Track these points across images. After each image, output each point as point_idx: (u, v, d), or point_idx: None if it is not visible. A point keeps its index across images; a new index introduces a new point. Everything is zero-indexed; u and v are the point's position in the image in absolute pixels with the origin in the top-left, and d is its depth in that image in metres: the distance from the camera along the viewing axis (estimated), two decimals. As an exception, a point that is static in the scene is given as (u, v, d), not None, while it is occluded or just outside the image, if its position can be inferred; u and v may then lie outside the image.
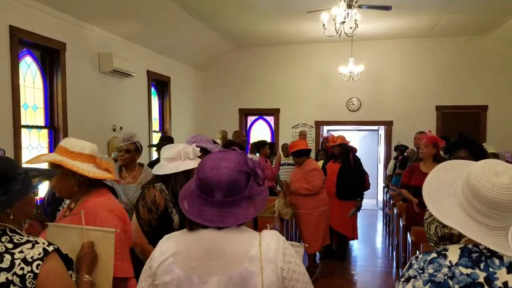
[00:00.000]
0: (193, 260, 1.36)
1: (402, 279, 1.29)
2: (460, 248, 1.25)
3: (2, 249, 1.42)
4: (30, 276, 1.40)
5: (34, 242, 1.46)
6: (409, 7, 7.24)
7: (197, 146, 3.49)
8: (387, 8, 6.31)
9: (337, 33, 5.84)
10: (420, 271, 1.25)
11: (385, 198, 8.50)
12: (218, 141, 7.39)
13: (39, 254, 1.43)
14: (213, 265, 1.34)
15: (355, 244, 6.96)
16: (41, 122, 5.65)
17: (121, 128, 6.84)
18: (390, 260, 6.15)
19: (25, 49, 5.35)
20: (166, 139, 5.45)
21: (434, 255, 1.27)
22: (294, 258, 1.39)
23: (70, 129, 5.80)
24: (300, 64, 10.17)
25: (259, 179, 1.45)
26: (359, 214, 5.93)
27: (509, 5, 7.04)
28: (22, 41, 5.15)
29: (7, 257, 1.40)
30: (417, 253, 3.73)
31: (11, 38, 4.88)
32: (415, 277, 1.26)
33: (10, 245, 1.43)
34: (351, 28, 6.01)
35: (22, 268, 1.40)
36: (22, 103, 5.21)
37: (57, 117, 5.73)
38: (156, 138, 8.14)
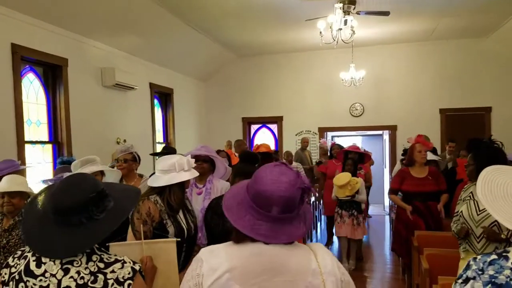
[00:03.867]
0: (253, 276, 1.31)
1: (460, 280, 1.28)
2: None
3: (94, 268, 1.42)
4: None
5: (122, 261, 1.47)
6: (407, 12, 7.27)
7: (205, 156, 3.57)
8: (385, 13, 6.34)
9: (334, 40, 5.87)
10: (480, 272, 1.24)
11: (390, 203, 8.45)
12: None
13: (129, 273, 1.44)
14: (277, 280, 1.31)
15: (363, 249, 6.92)
16: (45, 138, 5.72)
17: (124, 140, 6.89)
18: (396, 266, 6.11)
19: (27, 66, 5.44)
20: (169, 149, 5.49)
21: (494, 256, 1.26)
22: (345, 270, 1.44)
23: (74, 143, 5.86)
24: (302, 72, 10.20)
25: (309, 196, 1.45)
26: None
27: (509, 6, 7.03)
28: (24, 58, 5.24)
29: (101, 277, 1.41)
30: (420, 258, 3.72)
31: (13, 56, 4.97)
32: (474, 278, 1.24)
33: (101, 265, 1.44)
34: (350, 34, 6.04)
35: None
36: (25, 119, 5.29)
37: (61, 132, 5.80)
38: (160, 149, 8.18)
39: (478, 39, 9.11)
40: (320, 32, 5.99)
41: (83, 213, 1.43)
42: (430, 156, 5.56)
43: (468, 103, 9.28)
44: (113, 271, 1.43)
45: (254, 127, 11.00)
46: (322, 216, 8.58)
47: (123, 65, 7.02)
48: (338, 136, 12.07)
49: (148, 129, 8.07)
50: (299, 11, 6.93)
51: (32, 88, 5.56)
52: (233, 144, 7.69)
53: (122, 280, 1.42)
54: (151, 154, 6.47)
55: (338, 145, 7.42)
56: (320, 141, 9.42)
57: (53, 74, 5.79)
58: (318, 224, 8.66)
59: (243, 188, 1.44)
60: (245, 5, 6.74)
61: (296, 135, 10.30)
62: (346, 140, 11.90)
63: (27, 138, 5.28)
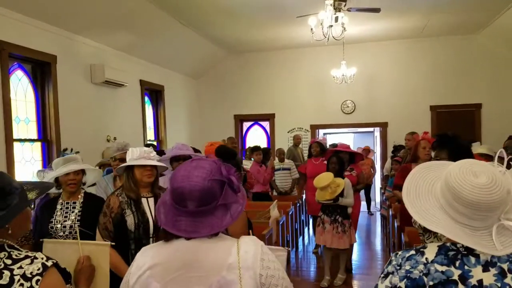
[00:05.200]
0: (170, 273, 1.35)
1: (382, 275, 1.31)
2: (438, 246, 1.26)
3: (0, 265, 1.41)
4: None
5: (33, 257, 1.45)
6: (398, 9, 7.29)
7: (186, 155, 3.61)
8: (376, 10, 6.35)
9: (325, 37, 5.87)
10: (398, 267, 1.26)
11: (381, 199, 8.49)
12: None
13: (38, 269, 1.41)
14: (191, 276, 1.33)
15: (353, 246, 6.94)
16: (34, 135, 5.66)
17: (115, 138, 6.84)
18: (387, 262, 6.13)
19: (15, 63, 5.38)
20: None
21: (412, 252, 1.28)
22: (273, 263, 1.38)
23: (63, 141, 5.80)
24: (293, 69, 10.21)
25: (235, 186, 1.43)
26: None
27: (499, 2, 7.08)
28: (12, 55, 5.18)
29: (6, 273, 1.39)
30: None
31: (1, 53, 4.91)
32: (392, 273, 1.27)
33: (8, 261, 1.42)
34: (341, 30, 6.05)
35: (21, 284, 1.38)
36: (14, 116, 5.23)
37: (50, 130, 5.75)
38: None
39: (469, 36, 9.16)
40: (311, 29, 5.99)
41: None
42: None
43: (458, 99, 9.35)
44: (20, 267, 1.40)
45: (246, 125, 10.98)
46: (310, 220, 7.86)
47: (112, 62, 6.96)
48: (330, 133, 12.09)
49: (139, 126, 8.02)
50: (290, 7, 6.92)
51: (21, 85, 5.50)
52: (226, 141, 7.66)
53: (29, 275, 1.39)
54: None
55: (318, 143, 6.99)
56: (319, 138, 9.46)
57: (41, 71, 5.73)
58: (306, 229, 8.08)
59: (168, 189, 1.48)
60: (237, 2, 6.72)
61: (288, 132, 10.31)
62: (338, 138, 11.94)
63: (15, 136, 5.23)
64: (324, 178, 4.84)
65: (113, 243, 2.14)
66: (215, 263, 1.34)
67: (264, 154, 7.30)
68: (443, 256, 1.23)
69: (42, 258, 1.45)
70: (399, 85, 9.70)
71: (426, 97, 9.52)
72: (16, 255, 1.44)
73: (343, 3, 6.01)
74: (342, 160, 5.25)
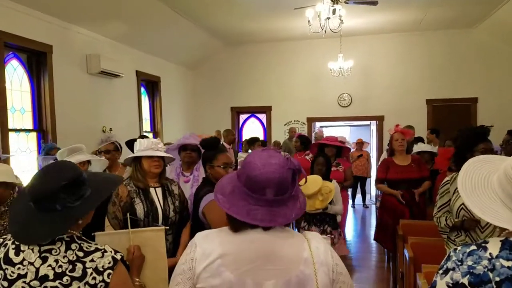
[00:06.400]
0: (246, 263, 1.31)
1: (440, 271, 1.28)
2: (501, 241, 1.24)
3: (73, 257, 1.40)
4: (101, 285, 1.39)
5: (103, 250, 1.45)
6: (396, 2, 7.27)
7: (194, 145, 3.67)
8: (373, 3, 6.33)
9: (322, 29, 5.86)
10: (459, 263, 1.24)
11: (376, 192, 8.53)
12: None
13: (109, 263, 1.42)
14: (269, 268, 1.31)
15: (349, 239, 6.98)
16: (29, 125, 5.64)
17: (110, 129, 6.82)
18: (381, 255, 6.18)
19: (11, 53, 5.34)
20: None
21: (473, 247, 1.26)
22: (339, 260, 1.40)
23: (58, 131, 5.78)
24: (290, 61, 10.18)
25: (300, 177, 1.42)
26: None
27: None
28: (7, 45, 5.14)
29: (79, 265, 1.39)
30: (405, 246, 3.76)
31: (-5, 42, 4.87)
32: (453, 269, 1.24)
33: (80, 254, 1.42)
34: (338, 23, 6.03)
35: (94, 278, 1.38)
36: (9, 106, 5.21)
37: (45, 120, 5.72)
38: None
39: (466, 30, 9.16)
40: (309, 21, 5.97)
41: (57, 200, 1.42)
42: (425, 147, 5.65)
43: (454, 93, 9.36)
44: (92, 260, 1.41)
45: (243, 117, 10.97)
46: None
47: (108, 52, 6.92)
48: (326, 126, 12.11)
49: (135, 117, 8.00)
50: (287, -1, 6.89)
51: (16, 75, 5.47)
52: (222, 134, 7.66)
53: (101, 269, 1.40)
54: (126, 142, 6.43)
55: (300, 136, 6.63)
56: (316, 130, 9.51)
57: (37, 61, 5.69)
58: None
59: (233, 177, 1.44)
60: (233, -7, 6.68)
61: (284, 125, 10.30)
62: (334, 131, 11.96)
63: (11, 126, 5.20)
64: (313, 184, 3.96)
65: (166, 227, 2.19)
66: (292, 257, 1.33)
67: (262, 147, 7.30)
68: (508, 251, 1.20)
69: (111, 252, 1.46)
70: (396, 79, 9.70)
71: (422, 91, 9.53)
72: (86, 247, 1.44)
73: (341, -4, 5.99)
74: (329, 161, 4.56)
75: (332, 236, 4.01)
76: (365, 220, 8.98)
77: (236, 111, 10.72)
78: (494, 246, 1.23)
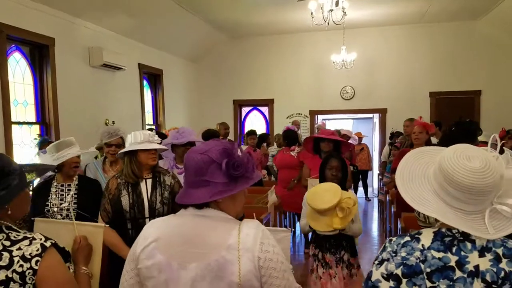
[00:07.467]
0: (174, 246, 1.40)
1: (376, 262, 1.30)
2: (433, 232, 1.26)
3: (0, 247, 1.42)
4: (29, 272, 1.40)
5: (31, 238, 1.46)
6: (400, -6, 7.22)
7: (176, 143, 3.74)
8: (376, -5, 6.30)
9: (325, 21, 5.83)
10: (393, 254, 1.26)
11: (379, 185, 8.54)
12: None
13: (37, 250, 1.43)
14: (192, 252, 1.38)
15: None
16: (32, 118, 5.66)
17: (113, 122, 6.84)
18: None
19: (13, 45, 5.34)
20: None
21: (407, 238, 1.27)
22: (273, 247, 1.40)
23: (61, 124, 5.80)
24: (293, 54, 10.14)
25: (233, 170, 1.40)
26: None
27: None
28: (10, 37, 5.14)
29: (6, 254, 1.40)
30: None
31: (-2, 35, 4.87)
32: (388, 259, 1.26)
33: (7, 243, 1.43)
34: (341, 15, 5.99)
35: (21, 265, 1.39)
36: (12, 99, 5.22)
37: (48, 113, 5.74)
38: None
39: (470, 22, 9.09)
40: (312, 13, 5.94)
41: None
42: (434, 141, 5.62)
43: (458, 86, 9.32)
44: (19, 248, 1.42)
45: (245, 110, 10.96)
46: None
47: (111, 45, 6.91)
48: (329, 119, 12.09)
49: (137, 110, 8.00)
50: (290, -9, 6.85)
51: (19, 68, 5.47)
52: (218, 126, 7.64)
53: (29, 256, 1.41)
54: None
55: (285, 131, 6.22)
56: (318, 123, 9.49)
57: (40, 53, 5.69)
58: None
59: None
60: (236, -15, 6.65)
61: (287, 117, 10.28)
62: (337, 124, 11.95)
63: (14, 118, 5.22)
64: (329, 195, 2.84)
65: (107, 225, 2.17)
66: (216, 242, 1.37)
67: (263, 139, 7.30)
68: (439, 242, 1.23)
69: (41, 239, 1.47)
70: (399, 71, 9.65)
71: (425, 84, 9.49)
72: (14, 237, 1.45)
73: (344, -12, 5.95)
74: (344, 163, 3.41)
75: (292, 229, 2.89)
76: (367, 213, 8.99)
77: (239, 104, 10.71)
78: (426, 237, 1.25)
